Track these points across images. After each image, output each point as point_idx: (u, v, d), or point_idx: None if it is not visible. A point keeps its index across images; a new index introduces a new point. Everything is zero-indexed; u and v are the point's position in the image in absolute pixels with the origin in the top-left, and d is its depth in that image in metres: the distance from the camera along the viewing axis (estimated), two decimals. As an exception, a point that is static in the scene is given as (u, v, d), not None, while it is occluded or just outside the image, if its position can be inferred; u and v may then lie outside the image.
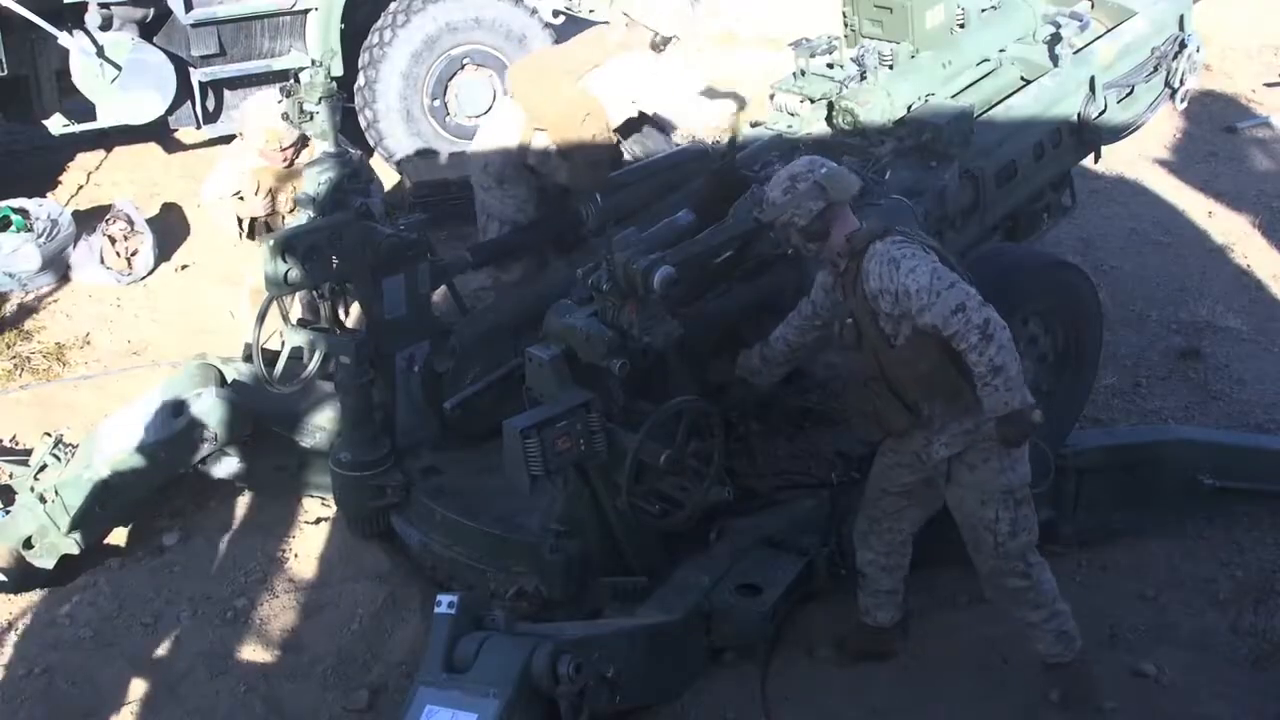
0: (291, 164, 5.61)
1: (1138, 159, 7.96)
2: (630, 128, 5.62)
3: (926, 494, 4.06)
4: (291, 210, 5.56)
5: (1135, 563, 4.90)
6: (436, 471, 4.66)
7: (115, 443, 4.72)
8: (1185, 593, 4.74)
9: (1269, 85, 9.35)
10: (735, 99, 5.78)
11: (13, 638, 4.54)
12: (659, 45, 5.50)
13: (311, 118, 4.55)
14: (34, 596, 4.70)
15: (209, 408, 4.73)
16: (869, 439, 4.10)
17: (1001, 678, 4.30)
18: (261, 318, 4.50)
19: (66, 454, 4.87)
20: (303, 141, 5.58)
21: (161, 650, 4.48)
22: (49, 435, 4.99)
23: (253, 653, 4.49)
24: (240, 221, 5.74)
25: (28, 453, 5.25)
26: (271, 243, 4.22)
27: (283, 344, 4.55)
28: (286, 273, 4.23)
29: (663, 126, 5.81)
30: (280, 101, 4.74)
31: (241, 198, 5.67)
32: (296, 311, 4.68)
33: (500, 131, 5.61)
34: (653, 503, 4.10)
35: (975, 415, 3.71)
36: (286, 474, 5.02)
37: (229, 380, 4.93)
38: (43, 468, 4.83)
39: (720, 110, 5.72)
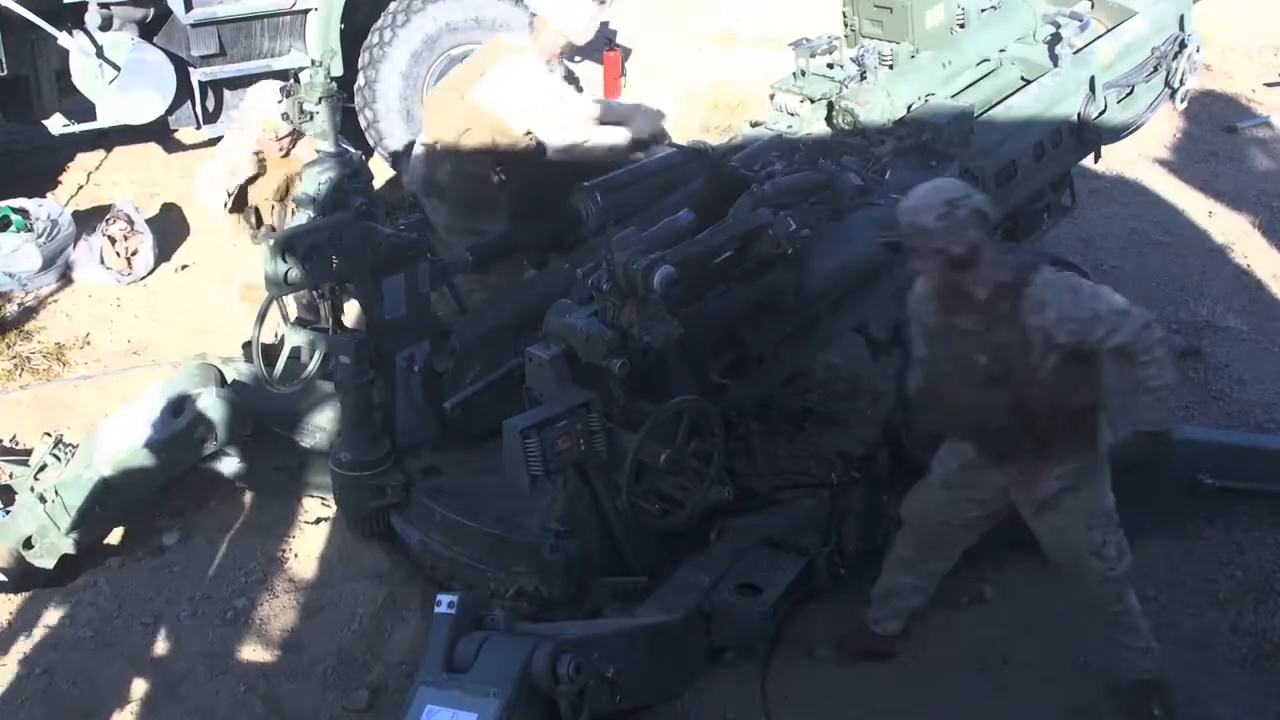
0: (287, 153, 5.65)
1: (1138, 159, 7.96)
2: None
3: (986, 525, 4.07)
4: (283, 198, 5.58)
5: (1135, 562, 4.83)
6: (436, 471, 4.66)
7: (115, 443, 4.72)
8: (1185, 592, 4.74)
9: (1269, 85, 9.34)
10: (644, 117, 5.64)
11: (13, 638, 4.54)
12: (565, 51, 5.52)
13: (311, 118, 4.56)
14: (34, 596, 4.70)
15: (209, 407, 4.72)
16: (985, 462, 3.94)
17: (1002, 678, 4.30)
18: (261, 317, 4.50)
19: (66, 454, 4.87)
20: (298, 134, 5.61)
21: (161, 650, 4.49)
22: (49, 435, 4.99)
23: (253, 653, 4.49)
24: (228, 195, 5.73)
25: (28, 453, 5.26)
26: (271, 243, 4.22)
27: (279, 341, 4.55)
28: (286, 272, 4.23)
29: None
30: (281, 101, 4.76)
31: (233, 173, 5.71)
32: (294, 311, 4.68)
33: (418, 147, 5.67)
34: (653, 502, 4.10)
35: (1097, 447, 3.75)
36: (286, 474, 5.02)
37: (229, 380, 4.93)
38: (43, 468, 4.83)
39: (614, 136, 5.53)
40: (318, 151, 4.76)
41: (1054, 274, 3.63)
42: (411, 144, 7.43)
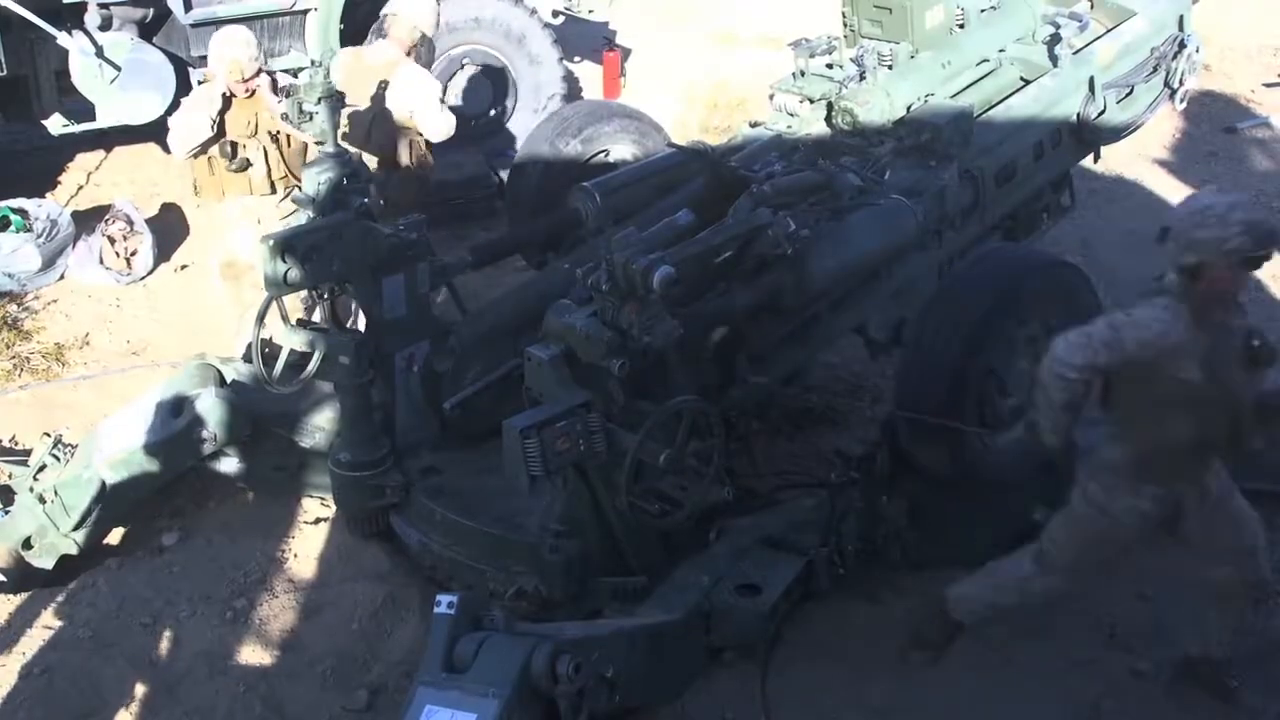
0: (253, 94, 5.64)
1: (1137, 159, 7.96)
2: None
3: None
4: (255, 134, 5.63)
5: (1134, 562, 4.88)
6: (436, 471, 4.66)
7: (114, 443, 4.71)
8: (1183, 590, 4.73)
9: (1268, 85, 9.35)
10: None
11: (13, 638, 4.54)
12: (421, 43, 5.87)
13: (311, 118, 4.56)
14: (34, 596, 4.69)
15: (208, 408, 4.72)
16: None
17: (1002, 677, 4.30)
18: (261, 317, 4.50)
19: (66, 454, 4.87)
20: (264, 73, 5.67)
21: (161, 650, 4.48)
22: (48, 435, 4.98)
23: (252, 653, 4.49)
24: (200, 137, 5.68)
25: (27, 453, 5.26)
26: (271, 243, 4.22)
27: (264, 339, 4.54)
28: (286, 273, 4.23)
29: (657, 126, 5.81)
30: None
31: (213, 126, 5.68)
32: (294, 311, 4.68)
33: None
34: (652, 502, 4.09)
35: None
36: (286, 474, 5.01)
37: (228, 380, 4.93)
38: (42, 468, 4.83)
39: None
40: (319, 149, 4.76)
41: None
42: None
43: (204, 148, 5.65)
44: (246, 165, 5.65)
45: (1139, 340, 3.59)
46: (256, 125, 5.64)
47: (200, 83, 5.84)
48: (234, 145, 5.64)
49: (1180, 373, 3.58)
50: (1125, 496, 3.85)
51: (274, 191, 5.65)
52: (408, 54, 6.04)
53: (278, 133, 5.64)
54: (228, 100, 5.64)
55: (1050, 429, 3.76)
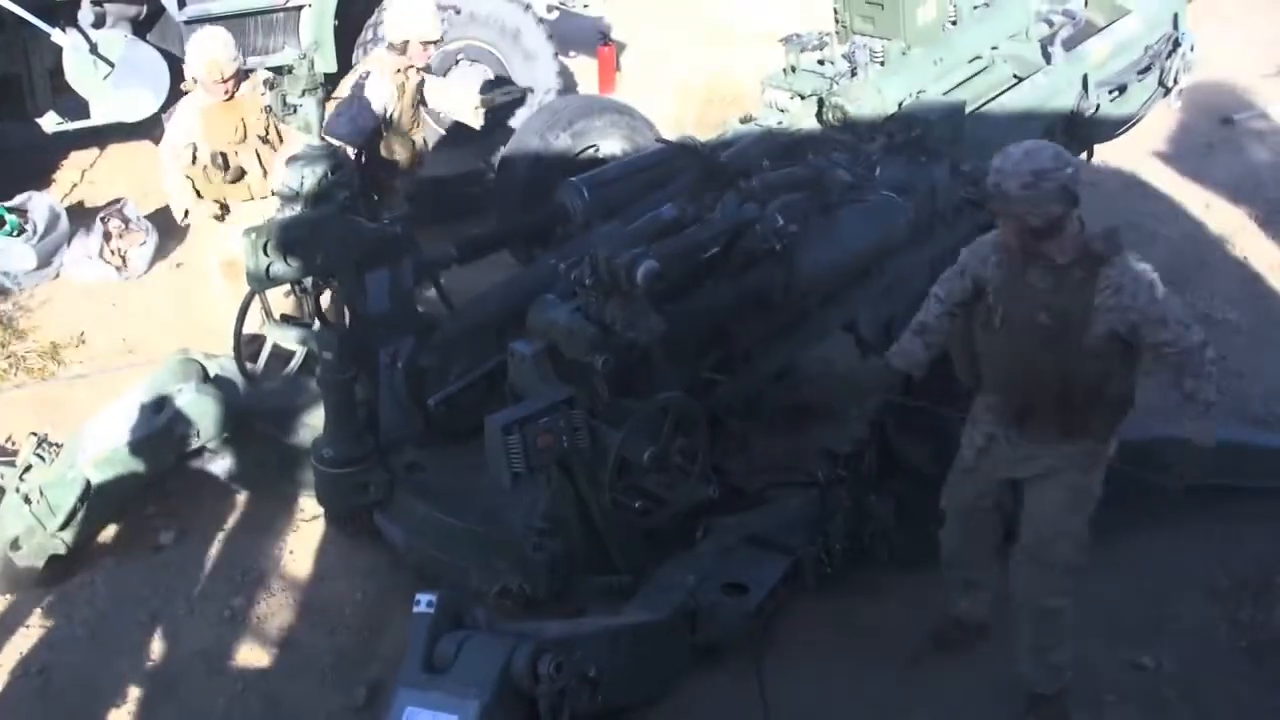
0: (232, 96, 5.52)
1: (1134, 151, 7.91)
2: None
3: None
4: (245, 139, 5.55)
5: (1134, 556, 4.87)
6: (420, 468, 4.65)
7: (99, 442, 4.70)
8: (1184, 586, 4.73)
9: (1266, 77, 9.30)
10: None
11: (9, 637, 4.54)
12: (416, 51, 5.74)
13: (295, 110, 4.54)
14: (30, 596, 4.69)
15: (189, 404, 4.70)
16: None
17: (1003, 675, 4.28)
18: (244, 313, 4.48)
19: (51, 454, 4.86)
20: (244, 75, 5.58)
21: (158, 649, 4.49)
22: (34, 435, 4.97)
23: (250, 651, 4.49)
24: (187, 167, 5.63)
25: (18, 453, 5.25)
26: (254, 237, 4.20)
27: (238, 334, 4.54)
28: (269, 267, 4.21)
29: (648, 121, 5.78)
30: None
31: (194, 159, 5.57)
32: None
33: None
34: (637, 500, 4.06)
35: (1109, 440, 3.80)
36: (270, 471, 4.99)
37: (211, 375, 4.91)
38: (28, 468, 4.81)
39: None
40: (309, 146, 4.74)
41: (1137, 262, 3.61)
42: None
43: (194, 159, 5.57)
44: (241, 174, 5.56)
45: (971, 270, 3.79)
46: (245, 130, 5.54)
47: (184, 91, 5.72)
48: (224, 156, 5.53)
49: (986, 309, 3.72)
50: (969, 428, 3.97)
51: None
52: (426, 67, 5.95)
53: (267, 133, 5.56)
54: (207, 111, 5.53)
55: (896, 350, 3.95)
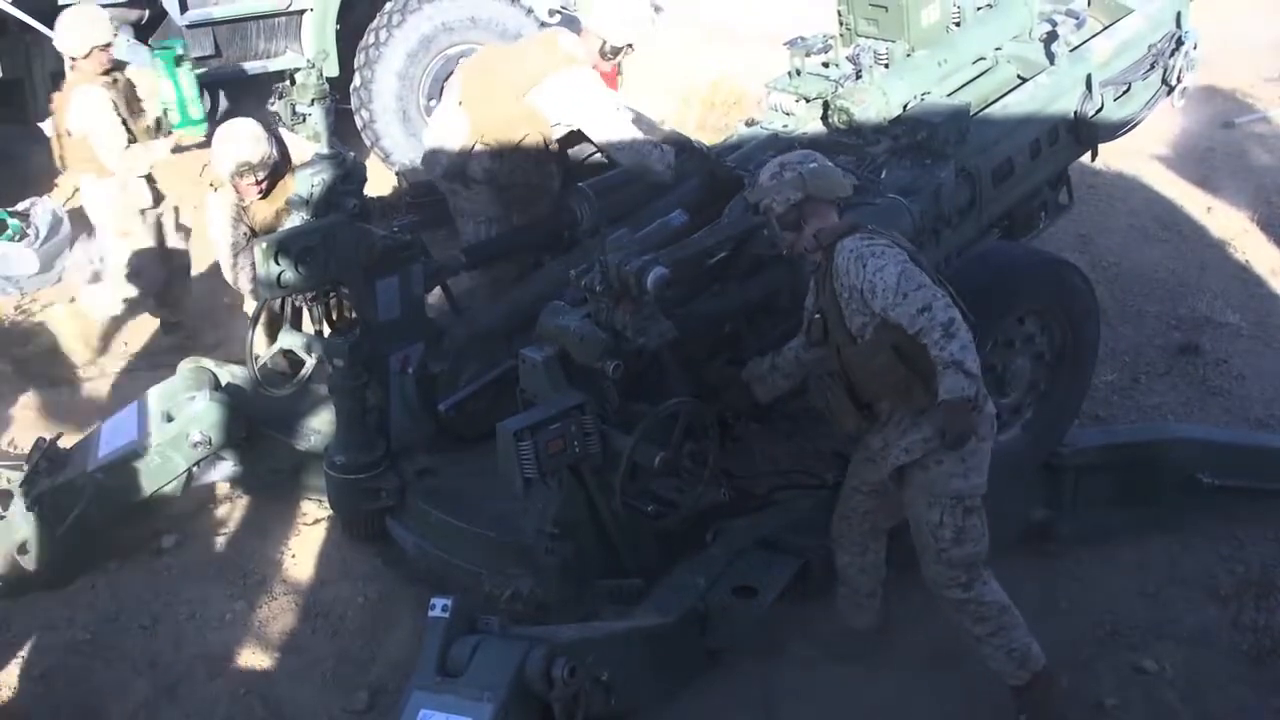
0: (267, 193, 5.20)
1: (1136, 155, 7.95)
2: (569, 140, 5.39)
3: (882, 506, 4.08)
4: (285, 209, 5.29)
5: (1135, 559, 4.89)
6: (431, 474, 4.65)
7: (109, 448, 4.71)
8: (1186, 589, 4.74)
9: (1268, 80, 9.33)
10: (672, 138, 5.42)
11: (12, 641, 4.54)
12: (608, 54, 5.30)
13: (304, 119, 4.54)
14: (33, 600, 4.70)
15: (202, 411, 4.71)
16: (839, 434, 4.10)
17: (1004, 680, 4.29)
18: (255, 320, 4.49)
19: (60, 459, 4.86)
20: (274, 172, 5.16)
21: (160, 653, 4.49)
22: (43, 440, 4.98)
23: (252, 655, 4.50)
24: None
25: (25, 457, 5.24)
26: (265, 245, 4.21)
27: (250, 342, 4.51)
28: (280, 275, 4.22)
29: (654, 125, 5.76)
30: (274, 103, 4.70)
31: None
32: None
33: (447, 135, 5.36)
34: (647, 504, 4.08)
35: (934, 422, 3.68)
36: (283, 477, 5.01)
37: (223, 383, 4.92)
38: (36, 472, 4.82)
39: (638, 137, 5.27)
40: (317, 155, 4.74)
41: (855, 240, 3.70)
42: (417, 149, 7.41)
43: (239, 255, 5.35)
44: None
45: None
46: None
47: (212, 188, 5.36)
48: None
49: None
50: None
51: None
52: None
53: None
54: (244, 209, 5.27)
55: None
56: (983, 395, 3.69)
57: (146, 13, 7.22)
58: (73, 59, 5.93)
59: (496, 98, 5.20)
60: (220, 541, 4.99)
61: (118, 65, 6.09)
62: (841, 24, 5.35)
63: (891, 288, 3.58)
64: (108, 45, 5.89)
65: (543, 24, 7.89)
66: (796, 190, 3.80)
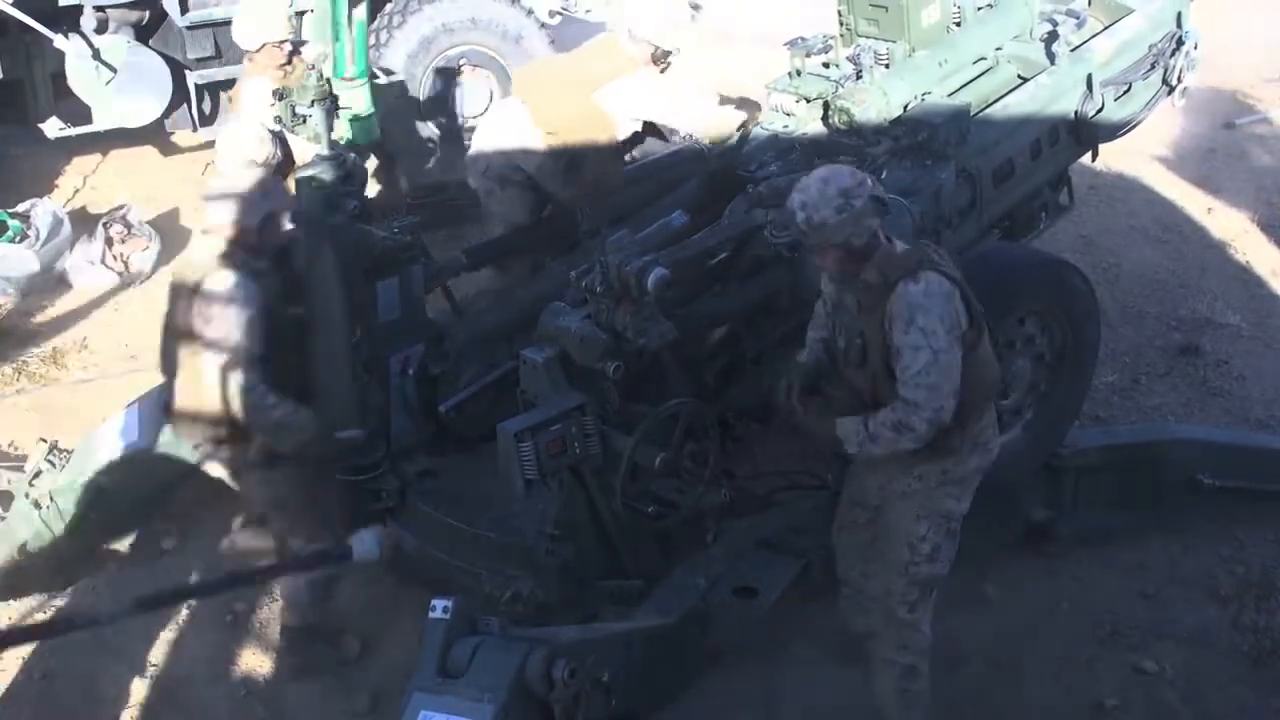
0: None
1: (1137, 155, 7.94)
2: (631, 141, 5.54)
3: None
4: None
5: (1136, 560, 4.90)
6: (432, 475, 4.64)
7: (110, 448, 4.71)
8: (1186, 589, 4.76)
9: (1268, 81, 9.33)
10: (741, 103, 5.64)
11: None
12: (660, 59, 5.39)
13: (304, 120, 4.54)
14: (33, 601, 4.70)
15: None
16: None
17: (1004, 677, 4.30)
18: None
19: (62, 459, 4.86)
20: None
21: (161, 654, 4.51)
22: (44, 441, 4.98)
23: (253, 656, 4.51)
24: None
25: (25, 458, 5.25)
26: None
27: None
28: (280, 277, 4.22)
29: (661, 131, 5.77)
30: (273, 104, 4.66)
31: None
32: None
33: (501, 134, 5.50)
34: (648, 505, 4.08)
35: (958, 454, 3.68)
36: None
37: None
38: (38, 474, 4.82)
39: (725, 116, 5.53)
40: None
41: (917, 290, 3.47)
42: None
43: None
44: None
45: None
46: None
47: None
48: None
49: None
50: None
51: None
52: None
53: None
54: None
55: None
56: (995, 437, 3.71)
57: (147, 13, 7.21)
58: (248, 52, 5.75)
59: (568, 96, 5.30)
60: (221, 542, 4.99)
61: (295, 52, 5.80)
62: (842, 24, 5.34)
63: (915, 371, 3.46)
64: (282, 42, 5.65)
65: (543, 25, 7.89)
66: (875, 216, 3.48)
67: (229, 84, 7.44)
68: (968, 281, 3.99)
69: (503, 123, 5.54)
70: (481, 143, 5.61)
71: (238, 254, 3.90)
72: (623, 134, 5.42)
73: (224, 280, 3.85)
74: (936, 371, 3.45)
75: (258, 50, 5.69)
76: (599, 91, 5.30)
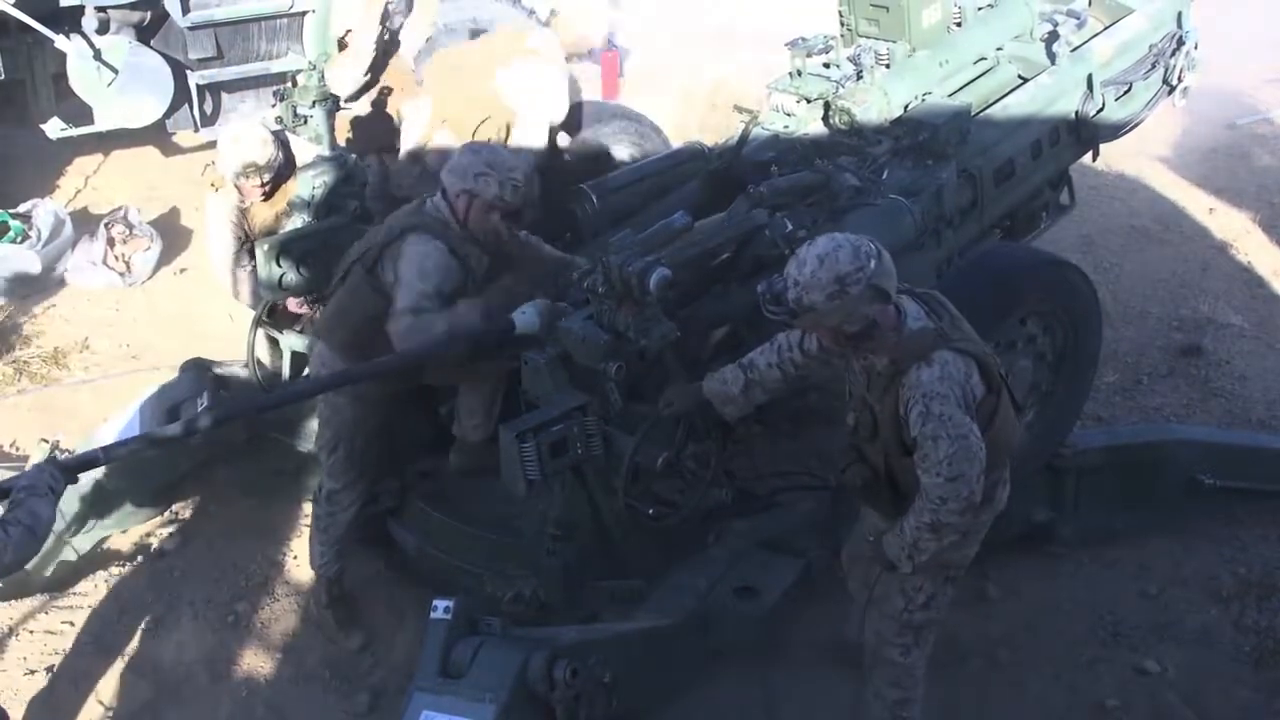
0: (269, 195, 5.08)
1: (1138, 155, 7.95)
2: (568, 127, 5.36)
3: None
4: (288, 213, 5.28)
5: (1138, 560, 4.90)
6: (433, 475, 4.64)
7: (110, 448, 4.71)
8: (1188, 590, 4.75)
9: (1269, 81, 9.33)
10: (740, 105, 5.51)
11: (14, 643, 4.55)
12: (577, 48, 5.35)
13: (306, 121, 4.55)
14: (35, 602, 4.71)
15: (203, 412, 4.70)
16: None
17: (1004, 676, 4.30)
18: (258, 322, 4.49)
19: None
20: (277, 176, 5.03)
21: (162, 655, 4.51)
22: (45, 441, 4.98)
23: (254, 657, 4.51)
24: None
25: (27, 458, 5.25)
26: (267, 247, 4.21)
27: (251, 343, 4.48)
28: (282, 277, 4.23)
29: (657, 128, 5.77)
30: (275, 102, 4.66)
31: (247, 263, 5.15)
32: None
33: (411, 123, 5.32)
34: (649, 505, 4.08)
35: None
36: (285, 479, 5.00)
37: (225, 384, 4.91)
38: (39, 474, 4.81)
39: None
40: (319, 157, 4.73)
41: (930, 375, 3.26)
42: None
43: (236, 259, 5.21)
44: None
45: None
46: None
47: (213, 188, 5.24)
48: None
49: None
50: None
51: None
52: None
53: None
54: (244, 211, 5.17)
55: (716, 376, 3.89)
56: (1005, 489, 3.64)
57: (148, 14, 7.21)
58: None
59: (463, 83, 5.15)
60: (222, 543, 5.00)
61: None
62: (842, 24, 5.34)
63: (936, 461, 3.27)
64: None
65: (544, 25, 7.88)
66: (872, 303, 3.24)
67: (230, 84, 7.47)
68: (969, 281, 4.01)
69: (415, 113, 5.33)
70: (403, 132, 5.41)
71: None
72: (527, 119, 5.17)
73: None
74: (960, 460, 3.26)
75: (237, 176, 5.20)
76: (499, 76, 5.08)
